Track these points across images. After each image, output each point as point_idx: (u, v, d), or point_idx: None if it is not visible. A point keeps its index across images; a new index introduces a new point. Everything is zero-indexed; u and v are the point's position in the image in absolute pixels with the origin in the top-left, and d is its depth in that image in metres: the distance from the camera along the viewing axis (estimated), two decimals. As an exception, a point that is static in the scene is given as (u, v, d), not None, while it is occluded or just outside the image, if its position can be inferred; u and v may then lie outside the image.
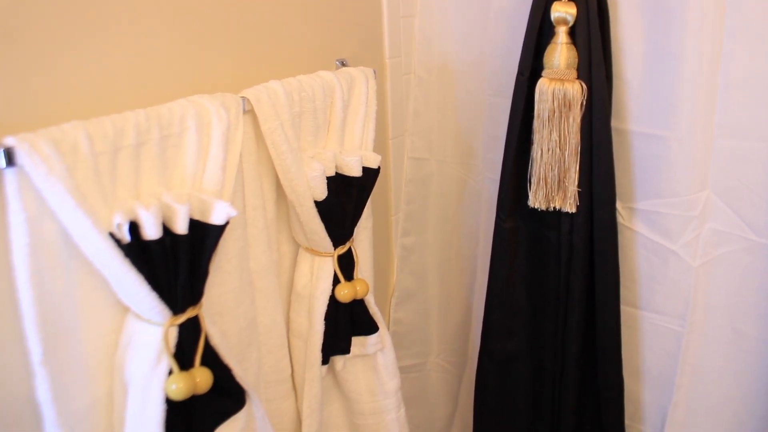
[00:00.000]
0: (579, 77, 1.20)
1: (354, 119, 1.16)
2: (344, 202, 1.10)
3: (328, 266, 1.12)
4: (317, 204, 1.05)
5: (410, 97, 1.52)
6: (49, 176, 0.68)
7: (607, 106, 1.21)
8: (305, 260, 1.13)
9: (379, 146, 1.17)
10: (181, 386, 0.82)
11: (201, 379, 0.86)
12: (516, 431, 1.44)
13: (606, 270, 1.28)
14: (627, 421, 1.37)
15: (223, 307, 0.97)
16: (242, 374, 0.93)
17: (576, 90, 1.19)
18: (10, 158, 0.68)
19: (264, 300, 1.06)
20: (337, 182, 1.08)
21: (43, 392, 0.76)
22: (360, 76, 1.17)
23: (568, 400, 1.37)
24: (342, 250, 1.12)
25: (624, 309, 1.33)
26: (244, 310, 1.00)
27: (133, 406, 0.82)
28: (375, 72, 1.21)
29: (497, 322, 1.39)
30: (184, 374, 0.83)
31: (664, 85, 1.20)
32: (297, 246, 1.15)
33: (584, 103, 1.20)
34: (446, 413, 1.72)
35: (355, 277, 1.16)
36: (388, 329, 1.58)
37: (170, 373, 0.83)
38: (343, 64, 1.25)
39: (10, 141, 0.68)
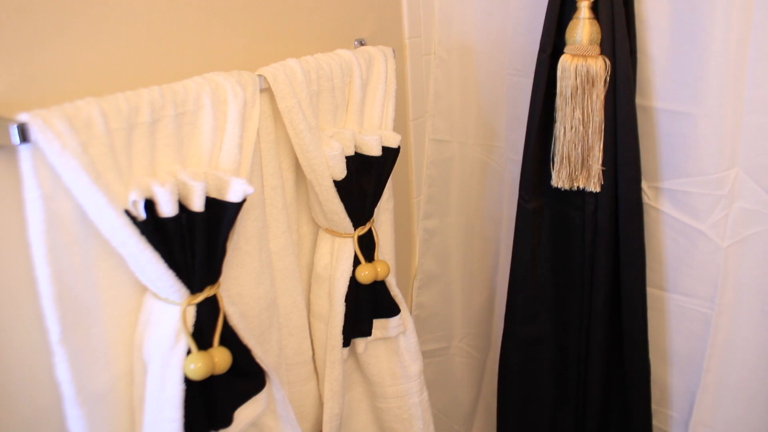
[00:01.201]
0: (602, 53, 1.17)
1: (373, 98, 1.14)
2: (364, 181, 1.08)
3: (349, 247, 1.11)
4: (336, 183, 1.04)
5: (431, 78, 1.50)
6: (63, 152, 0.68)
7: (631, 83, 1.18)
8: (325, 241, 1.13)
9: (400, 128, 1.16)
10: (199, 366, 0.82)
11: (220, 359, 0.85)
12: (540, 416, 1.42)
13: (632, 251, 1.25)
14: (654, 406, 1.34)
15: (243, 287, 0.96)
16: (262, 355, 0.92)
17: (599, 66, 1.16)
18: (23, 134, 0.67)
19: (284, 281, 1.06)
20: (357, 162, 1.06)
21: (62, 371, 0.76)
22: (379, 55, 1.15)
23: (593, 384, 1.35)
24: (362, 231, 1.11)
25: (650, 291, 1.30)
26: (264, 291, 1.00)
27: (152, 386, 0.82)
28: (394, 51, 1.20)
29: (521, 304, 1.37)
30: (203, 354, 0.83)
31: (691, 60, 1.17)
32: (317, 227, 1.15)
33: (608, 79, 1.17)
34: (470, 398, 1.70)
35: (375, 258, 1.15)
36: (411, 313, 1.57)
37: (189, 352, 0.83)
38: (362, 44, 1.24)
39: (23, 117, 0.67)
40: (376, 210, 1.16)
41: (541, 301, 1.36)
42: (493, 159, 1.50)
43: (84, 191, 0.71)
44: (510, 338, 1.40)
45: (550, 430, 1.42)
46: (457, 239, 1.60)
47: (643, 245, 1.26)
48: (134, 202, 0.74)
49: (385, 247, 1.24)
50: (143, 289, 0.83)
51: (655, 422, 1.36)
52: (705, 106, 1.18)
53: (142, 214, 0.74)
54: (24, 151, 0.68)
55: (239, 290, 0.96)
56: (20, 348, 0.78)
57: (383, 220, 1.24)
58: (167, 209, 0.76)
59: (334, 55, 1.08)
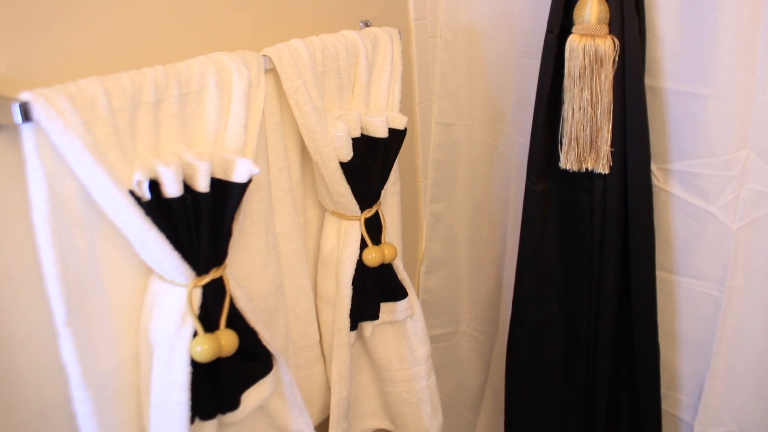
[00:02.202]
0: (611, 32, 1.15)
1: (379, 80, 1.13)
2: (370, 163, 1.08)
3: (355, 230, 1.10)
4: (343, 165, 1.03)
5: (437, 60, 1.49)
6: (66, 131, 0.67)
7: (640, 63, 1.17)
8: (332, 224, 1.12)
9: (406, 111, 1.15)
10: (206, 348, 0.82)
11: (226, 341, 0.85)
12: (548, 400, 1.42)
13: (641, 233, 1.24)
14: (663, 390, 1.33)
15: (249, 270, 0.96)
16: (269, 338, 0.92)
17: (608, 46, 1.15)
18: (26, 114, 0.66)
19: (290, 264, 1.05)
20: (363, 143, 1.05)
21: (67, 353, 0.75)
22: (384, 36, 1.14)
23: (602, 368, 1.34)
24: (369, 213, 1.10)
25: (659, 274, 1.29)
26: (270, 274, 0.99)
27: (159, 368, 0.82)
28: (400, 32, 1.18)
29: (529, 288, 1.36)
30: (209, 336, 0.82)
31: (701, 40, 1.15)
32: (323, 210, 1.14)
33: (616, 59, 1.15)
34: (477, 383, 1.70)
35: (382, 241, 1.14)
36: (418, 298, 1.56)
37: (195, 335, 0.82)
38: (367, 26, 1.22)
39: (25, 96, 0.66)
40: (382, 193, 1.15)
41: (550, 285, 1.35)
42: (500, 142, 1.49)
43: (87, 171, 0.70)
44: (518, 322, 1.40)
45: (559, 414, 1.41)
46: (464, 223, 1.59)
47: (652, 228, 1.25)
48: (138, 182, 0.73)
49: (392, 231, 1.24)
50: (149, 271, 0.83)
51: (664, 406, 1.35)
52: (715, 87, 1.17)
53: (146, 195, 0.74)
54: (26, 130, 0.68)
55: (246, 273, 0.95)
56: (26, 334, 0.78)
57: (390, 203, 1.23)
58: (172, 189, 0.75)
59: (339, 35, 1.07)
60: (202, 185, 0.78)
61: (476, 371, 1.69)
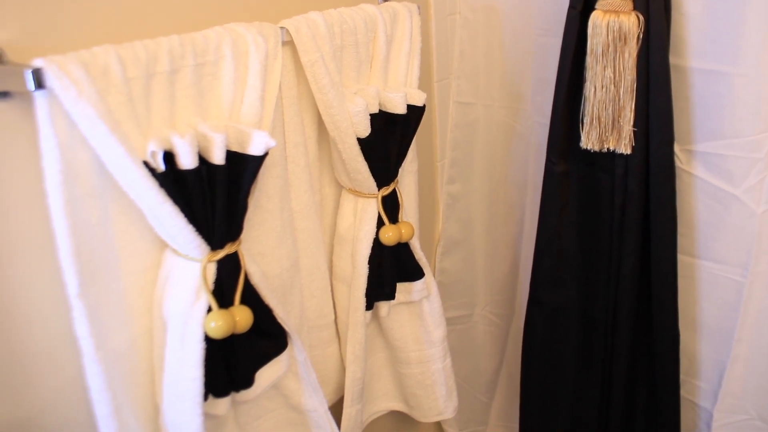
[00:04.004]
0: (635, 9, 1.13)
1: (398, 55, 1.11)
2: (388, 140, 1.06)
3: (372, 208, 1.08)
4: (360, 141, 1.01)
5: (455, 38, 1.46)
6: (80, 99, 0.66)
7: (665, 40, 1.14)
8: (348, 202, 1.10)
9: (424, 89, 1.13)
10: (220, 324, 0.80)
11: (241, 317, 0.83)
12: (565, 385, 1.40)
13: (662, 216, 1.22)
14: (682, 376, 1.31)
15: (265, 246, 0.94)
16: (284, 316, 0.90)
17: (632, 22, 1.12)
18: (39, 81, 0.65)
19: (306, 242, 1.04)
20: (381, 120, 1.03)
21: (80, 327, 0.74)
22: (404, 11, 1.12)
23: (621, 353, 1.32)
24: (386, 191, 1.09)
25: (681, 258, 1.27)
26: (286, 251, 0.98)
27: (172, 344, 0.81)
28: (419, 7, 1.16)
29: (547, 271, 1.34)
30: (224, 312, 0.81)
31: (728, 17, 1.12)
32: (340, 188, 1.12)
33: (641, 36, 1.13)
34: (493, 366, 1.69)
35: (399, 219, 1.12)
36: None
37: (209, 311, 0.81)
38: (386, 0, 1.20)
39: (38, 62, 0.65)
40: (400, 171, 1.13)
41: (568, 267, 1.33)
42: (518, 122, 1.46)
43: (101, 141, 0.68)
44: (535, 305, 1.38)
45: (575, 399, 1.40)
46: (482, 204, 1.57)
47: (674, 210, 1.22)
48: (153, 153, 0.72)
49: (408, 211, 1.22)
50: (163, 245, 0.81)
51: (683, 393, 1.33)
52: (742, 65, 1.14)
53: (161, 166, 0.72)
54: (39, 98, 0.66)
55: (261, 249, 0.94)
56: (41, 308, 0.77)
57: (407, 182, 1.21)
58: (187, 161, 0.74)
59: (358, 9, 1.05)
60: (218, 157, 0.76)
61: (491, 354, 1.68)
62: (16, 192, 0.73)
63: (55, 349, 0.79)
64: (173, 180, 0.74)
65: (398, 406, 1.31)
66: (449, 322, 1.58)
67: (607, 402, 1.38)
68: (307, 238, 1.03)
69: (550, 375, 1.41)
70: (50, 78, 0.65)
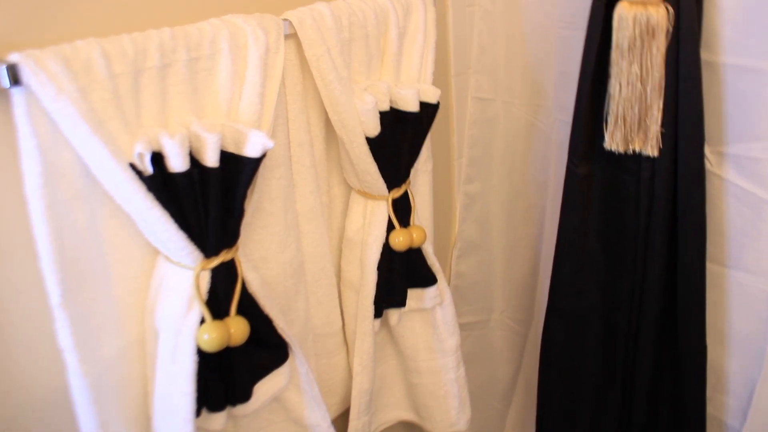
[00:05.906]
0: (664, 0, 1.06)
1: (411, 49, 1.05)
2: (399, 139, 1.00)
3: (382, 211, 1.03)
4: (369, 141, 0.96)
5: (474, 31, 1.41)
6: (59, 97, 0.61)
7: (696, 34, 1.07)
8: (358, 203, 1.05)
9: (441, 85, 1.08)
10: (213, 336, 0.76)
11: (236, 329, 0.79)
12: (584, 396, 1.35)
13: (691, 222, 1.15)
14: (708, 392, 1.25)
15: (267, 251, 0.90)
16: (285, 326, 0.86)
17: (661, 15, 1.06)
18: (15, 77, 0.61)
19: (312, 246, 0.99)
20: (392, 118, 0.98)
21: (64, 338, 0.71)
22: (417, 2, 1.06)
23: (644, 365, 1.26)
24: (397, 193, 1.03)
25: (710, 267, 1.20)
26: (290, 256, 0.93)
27: (164, 355, 0.77)
28: (435, -1, 1.11)
29: (567, 276, 1.28)
30: (218, 323, 0.77)
31: (765, 9, 1.06)
32: (349, 189, 1.07)
33: (670, 30, 1.06)
34: (509, 374, 1.64)
35: (411, 223, 1.07)
36: (449, 283, 1.50)
37: (203, 322, 0.76)
38: (399, -8, 1.15)
39: (14, 57, 0.61)
40: (413, 171, 1.08)
41: (590, 274, 1.27)
42: (539, 119, 1.41)
43: (83, 141, 0.64)
44: (554, 312, 1.32)
45: (595, 412, 1.34)
46: (500, 205, 1.52)
47: (703, 216, 1.16)
48: (140, 155, 0.67)
49: (422, 212, 1.17)
50: (156, 251, 0.77)
51: (709, 409, 1.27)
52: (780, 62, 1.07)
53: (148, 169, 0.67)
54: (16, 95, 0.62)
55: (263, 254, 0.90)
56: (24, 317, 0.73)
57: (421, 182, 1.16)
58: (176, 163, 0.69)
59: (368, 0, 1.00)
60: (211, 159, 0.72)
61: (509, 361, 1.63)
62: (1, 194, 0.69)
63: (41, 360, 0.75)
64: (162, 183, 0.69)
65: (408, 416, 1.27)
66: (465, 327, 1.54)
67: (628, 415, 1.32)
68: (312, 241, 0.99)
69: (569, 385, 1.36)
70: (27, 74, 0.61)
